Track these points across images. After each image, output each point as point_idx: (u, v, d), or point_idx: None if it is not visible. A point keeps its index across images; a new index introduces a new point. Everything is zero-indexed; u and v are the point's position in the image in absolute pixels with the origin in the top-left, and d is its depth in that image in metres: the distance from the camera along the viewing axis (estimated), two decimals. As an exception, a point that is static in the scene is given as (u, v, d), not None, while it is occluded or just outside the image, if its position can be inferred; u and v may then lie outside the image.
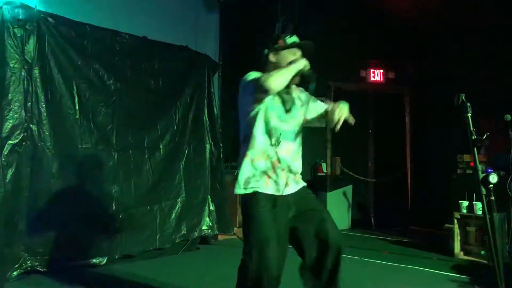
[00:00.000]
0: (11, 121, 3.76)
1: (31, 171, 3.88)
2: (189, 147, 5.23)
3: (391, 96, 7.19)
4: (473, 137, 1.98)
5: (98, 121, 4.39)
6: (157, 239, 4.75)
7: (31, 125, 3.89)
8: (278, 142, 2.41)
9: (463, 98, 2.03)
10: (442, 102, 6.50)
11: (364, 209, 6.83)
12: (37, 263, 3.85)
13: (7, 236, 3.69)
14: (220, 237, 5.55)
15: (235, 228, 5.70)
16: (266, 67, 2.51)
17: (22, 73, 3.83)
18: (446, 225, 5.02)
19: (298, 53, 2.50)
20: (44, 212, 3.95)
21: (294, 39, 2.52)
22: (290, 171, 2.46)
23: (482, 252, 4.58)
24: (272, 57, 2.52)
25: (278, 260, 2.23)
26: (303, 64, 2.39)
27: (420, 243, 5.50)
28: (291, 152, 2.47)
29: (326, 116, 2.52)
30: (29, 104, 3.87)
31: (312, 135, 6.62)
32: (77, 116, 4.22)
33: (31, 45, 3.89)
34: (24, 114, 3.84)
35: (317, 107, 2.60)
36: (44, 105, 3.97)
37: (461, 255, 4.77)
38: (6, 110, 3.74)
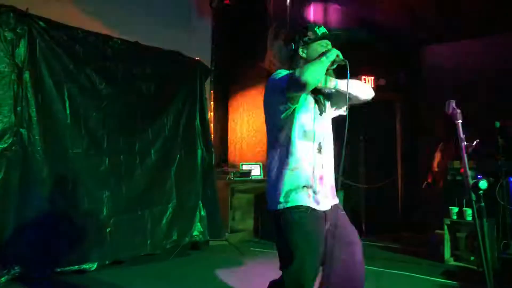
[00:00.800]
0: (0, 125, 3.74)
1: (20, 175, 3.85)
2: (180, 152, 5.22)
3: (382, 103, 7.23)
4: (463, 144, 2.00)
5: (89, 125, 4.37)
6: (148, 245, 4.73)
7: (21, 129, 3.86)
8: (318, 147, 2.22)
9: (454, 105, 2.05)
10: (433, 108, 6.59)
11: (355, 215, 6.84)
12: (26, 269, 3.80)
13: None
14: (211, 243, 5.52)
15: (226, 234, 5.68)
16: (294, 63, 2.28)
17: (12, 77, 3.82)
18: (437, 231, 5.04)
19: (328, 45, 2.32)
20: (33, 217, 3.91)
21: (323, 30, 2.34)
22: (328, 181, 2.25)
23: (472, 258, 4.61)
24: (302, 52, 2.30)
25: (315, 275, 2.10)
26: (335, 53, 2.18)
27: (411, 249, 5.52)
28: (328, 158, 2.28)
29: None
30: (19, 108, 3.85)
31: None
32: (68, 121, 4.20)
33: (21, 49, 3.87)
34: (14, 118, 3.82)
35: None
36: (34, 109, 3.95)
37: (451, 261, 4.79)
38: (-4, 114, 3.72)
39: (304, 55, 2.29)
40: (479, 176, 4.61)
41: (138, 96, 4.86)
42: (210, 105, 6.16)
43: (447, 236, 4.80)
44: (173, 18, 5.69)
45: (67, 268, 4.04)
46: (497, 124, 4.51)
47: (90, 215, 4.29)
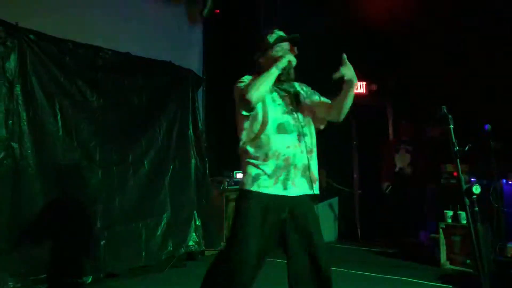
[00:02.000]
0: (-9, 139, 3.70)
1: (12, 189, 3.80)
2: (174, 162, 5.20)
3: (374, 108, 7.27)
4: (455, 149, 2.01)
5: (81, 137, 4.33)
6: (143, 257, 4.69)
7: (12, 143, 3.82)
8: (288, 138, 2.32)
9: (445, 110, 2.06)
10: (424, 113, 6.63)
11: (350, 221, 6.84)
12: (19, 285, 3.74)
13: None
14: (207, 253, 5.48)
15: (222, 243, 5.65)
16: (258, 68, 2.47)
17: (3, 90, 3.78)
18: (432, 235, 5.05)
19: (286, 46, 2.44)
20: (26, 231, 3.86)
21: (275, 35, 2.47)
22: (302, 169, 2.34)
23: (468, 261, 4.61)
24: (261, 60, 2.48)
25: (254, 267, 2.24)
26: (286, 60, 2.32)
27: (406, 253, 5.52)
28: (304, 149, 2.35)
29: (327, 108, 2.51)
30: (10, 121, 3.81)
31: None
32: (59, 133, 4.17)
33: (12, 62, 3.84)
34: (5, 132, 3.78)
35: (319, 100, 2.55)
36: (25, 123, 3.91)
37: (447, 265, 4.79)
38: (-13, 129, 3.68)
39: (262, 63, 2.46)
40: (472, 180, 4.66)
41: (130, 106, 4.84)
42: (203, 114, 6.15)
43: (442, 240, 4.81)
44: (164, 28, 5.68)
45: (61, 282, 3.98)
46: (489, 127, 4.53)
47: (83, 228, 4.25)
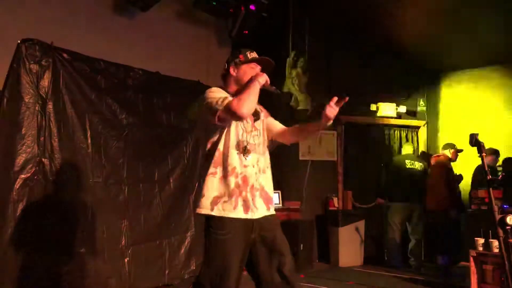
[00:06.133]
0: (24, 155, 3.78)
1: (42, 205, 3.87)
2: (199, 180, 5.20)
3: (402, 130, 7.16)
4: (488, 177, 1.94)
5: (109, 155, 4.40)
6: (166, 275, 4.68)
7: (43, 159, 3.90)
8: (246, 157, 2.39)
9: (477, 138, 2.00)
10: (455, 136, 6.49)
11: (377, 245, 6.68)
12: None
13: (13, 271, 3.66)
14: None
15: (245, 264, 5.59)
16: (226, 80, 2.58)
17: (36, 108, 3.88)
18: (462, 263, 4.87)
19: (257, 68, 2.54)
20: (53, 245, 3.91)
21: (254, 54, 2.58)
22: (259, 189, 2.42)
23: (500, 292, 4.42)
24: (232, 71, 2.55)
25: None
26: (264, 79, 2.42)
27: (435, 281, 5.34)
28: (261, 167, 2.46)
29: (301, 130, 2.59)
30: (42, 138, 3.90)
31: (323, 169, 6.57)
32: (89, 150, 4.24)
33: (45, 81, 3.94)
34: (37, 148, 3.87)
35: (275, 123, 2.67)
36: (56, 139, 3.99)
37: (478, 295, 4.60)
38: (19, 145, 3.77)
39: (234, 74, 2.54)
40: (505, 206, 4.50)
41: (158, 125, 4.90)
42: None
43: (473, 269, 4.63)
44: (193, 48, 5.78)
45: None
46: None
47: (108, 244, 4.28)
